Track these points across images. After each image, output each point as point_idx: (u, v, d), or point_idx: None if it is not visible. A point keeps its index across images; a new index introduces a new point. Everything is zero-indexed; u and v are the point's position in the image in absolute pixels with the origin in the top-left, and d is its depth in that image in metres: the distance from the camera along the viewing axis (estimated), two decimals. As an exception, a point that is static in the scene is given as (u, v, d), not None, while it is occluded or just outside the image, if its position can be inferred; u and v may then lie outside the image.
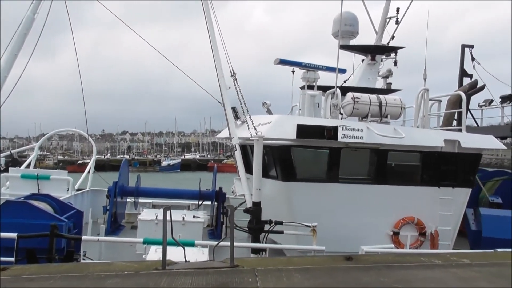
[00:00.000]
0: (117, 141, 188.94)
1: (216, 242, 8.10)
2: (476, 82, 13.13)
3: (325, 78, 13.31)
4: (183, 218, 11.54)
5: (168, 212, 7.52)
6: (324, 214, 9.68)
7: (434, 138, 10.03)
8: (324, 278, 6.53)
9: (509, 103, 15.65)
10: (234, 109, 10.42)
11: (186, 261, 7.63)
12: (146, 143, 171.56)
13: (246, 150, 11.43)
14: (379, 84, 13.65)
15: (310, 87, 12.33)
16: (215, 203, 13.28)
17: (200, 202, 13.81)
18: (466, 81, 16.34)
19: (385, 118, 9.98)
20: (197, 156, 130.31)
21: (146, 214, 11.64)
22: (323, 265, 7.24)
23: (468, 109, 16.30)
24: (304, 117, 10.22)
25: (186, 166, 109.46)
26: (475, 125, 16.45)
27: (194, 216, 11.84)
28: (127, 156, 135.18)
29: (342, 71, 13.46)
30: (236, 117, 10.45)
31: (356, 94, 10.06)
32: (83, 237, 8.24)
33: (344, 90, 10.71)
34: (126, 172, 14.31)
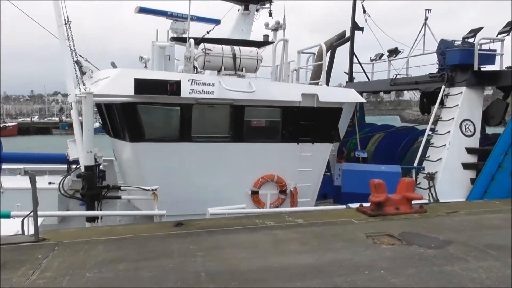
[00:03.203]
0: (47, 102, 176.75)
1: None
2: (344, 32, 12.77)
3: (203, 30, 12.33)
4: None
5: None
6: (177, 176, 9.03)
7: (291, 92, 9.30)
8: (129, 249, 5.92)
9: (394, 57, 15.72)
10: (77, 62, 9.21)
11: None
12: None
13: (101, 109, 10.33)
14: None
15: (181, 39, 11.29)
16: None
17: (75, 167, 12.61)
18: (358, 34, 16.16)
19: (240, 71, 9.28)
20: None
21: (-11, 184, 10.40)
22: (143, 234, 6.64)
23: (354, 63, 16.17)
24: (149, 71, 9.24)
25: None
26: (367, 79, 16.47)
27: (50, 183, 10.74)
28: (56, 119, 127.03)
29: (216, 21, 12.52)
30: (82, 72, 9.27)
31: (208, 46, 9.19)
32: None
33: (206, 41, 9.79)
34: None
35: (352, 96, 9.89)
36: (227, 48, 9.05)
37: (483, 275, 4.81)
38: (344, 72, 16.79)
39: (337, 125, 10.01)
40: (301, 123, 9.41)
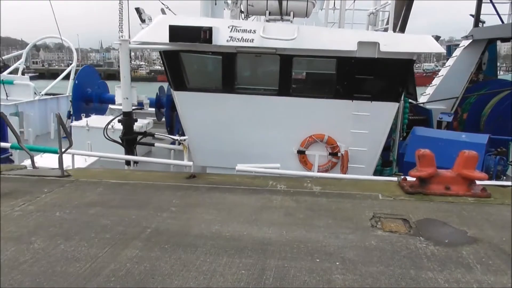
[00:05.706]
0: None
1: None
2: None
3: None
4: (112, 126, 11.39)
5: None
6: (218, 128, 8.74)
7: (346, 40, 7.92)
8: (118, 195, 6.03)
9: None
10: (138, 10, 9.38)
11: (34, 167, 7.62)
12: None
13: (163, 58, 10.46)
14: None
15: None
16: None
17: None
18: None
19: (287, 16, 8.14)
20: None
21: (79, 122, 11.78)
22: (148, 181, 6.68)
23: None
24: (190, 18, 8.73)
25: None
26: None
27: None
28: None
29: None
30: (142, 20, 9.44)
31: None
32: None
33: None
34: (89, 78, 14.32)
35: (426, 45, 7.87)
36: None
37: (471, 295, 3.45)
38: (470, 15, 13.72)
39: (405, 80, 8.24)
40: (356, 77, 8.03)
